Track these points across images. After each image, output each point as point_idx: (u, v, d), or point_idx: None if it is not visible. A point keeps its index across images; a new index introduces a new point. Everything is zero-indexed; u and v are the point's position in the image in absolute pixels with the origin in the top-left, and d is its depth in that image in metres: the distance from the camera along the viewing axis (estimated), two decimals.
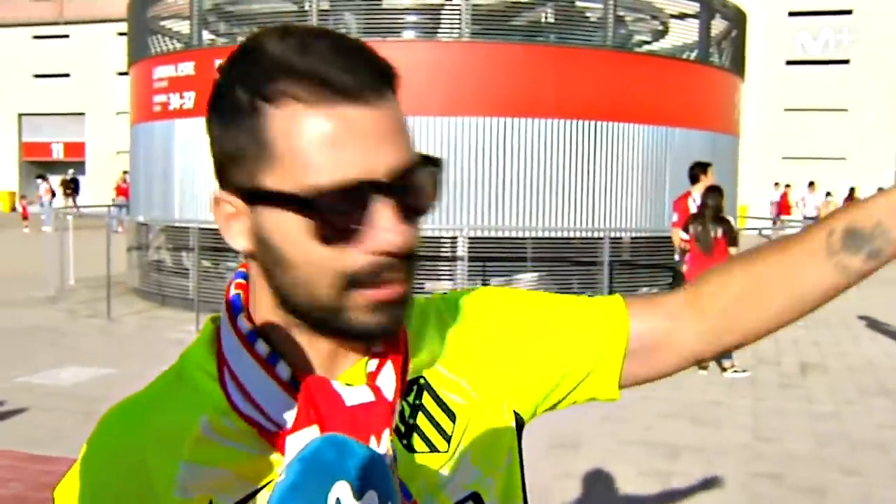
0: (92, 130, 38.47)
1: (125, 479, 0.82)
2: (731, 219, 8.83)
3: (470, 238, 10.23)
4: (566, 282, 10.60)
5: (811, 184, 25.46)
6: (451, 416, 0.92)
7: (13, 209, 37.59)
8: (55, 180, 30.15)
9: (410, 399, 0.89)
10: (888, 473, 5.40)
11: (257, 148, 0.76)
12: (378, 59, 0.79)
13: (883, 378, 8.06)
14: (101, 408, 5.01)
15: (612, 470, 5.38)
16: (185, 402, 0.84)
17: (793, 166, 30.17)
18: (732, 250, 8.12)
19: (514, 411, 0.97)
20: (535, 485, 4.96)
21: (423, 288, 9.60)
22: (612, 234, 10.67)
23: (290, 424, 0.80)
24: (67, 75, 38.68)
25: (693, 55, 12.30)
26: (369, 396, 0.81)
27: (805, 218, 22.61)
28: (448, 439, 0.90)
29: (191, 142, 11.36)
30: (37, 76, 39.25)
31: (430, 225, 10.01)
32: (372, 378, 0.83)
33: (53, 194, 28.66)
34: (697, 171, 8.80)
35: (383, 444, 0.80)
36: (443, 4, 10.99)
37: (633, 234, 11.27)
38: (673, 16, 12.45)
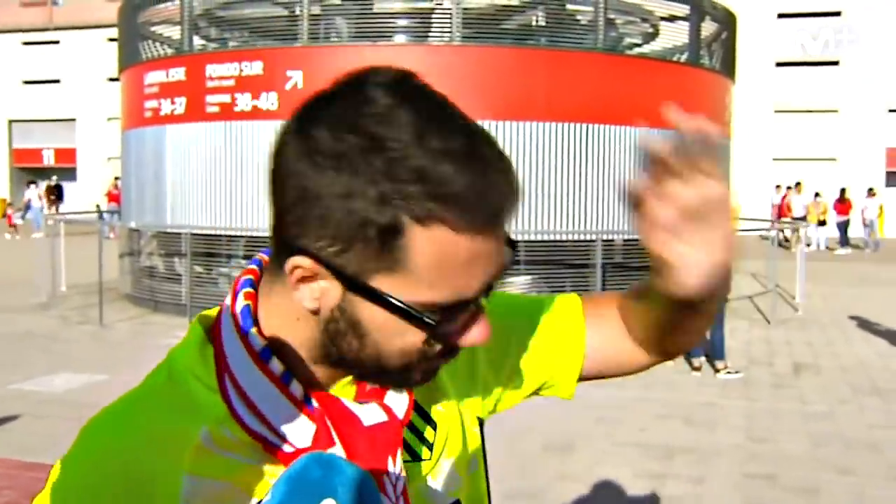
0: (83, 136, 38.32)
1: (122, 491, 0.77)
2: None
3: None
4: (559, 284, 10.61)
5: (798, 185, 25.51)
6: (433, 424, 0.93)
7: (4, 216, 37.43)
8: (42, 187, 29.97)
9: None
10: (881, 473, 5.42)
11: (383, 249, 0.73)
12: (513, 176, 0.77)
13: (875, 378, 8.08)
14: (94, 414, 4.96)
15: (606, 471, 5.39)
16: (180, 411, 0.81)
17: (784, 167, 30.25)
18: None
19: (477, 416, 1.00)
20: (531, 487, 4.97)
21: None
22: (605, 237, 10.68)
23: (300, 442, 0.80)
24: (58, 81, 38.53)
25: (683, 57, 12.33)
26: (383, 416, 0.84)
27: (793, 219, 22.63)
28: (430, 447, 0.91)
29: (182, 147, 11.35)
30: (27, 82, 39.10)
31: None
32: (378, 396, 0.85)
33: (49, 199, 28.56)
34: None
35: (398, 463, 0.82)
36: (434, 8, 11.00)
37: (626, 237, 11.28)
38: (663, 18, 12.48)
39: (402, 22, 11.11)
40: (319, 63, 10.37)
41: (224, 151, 10.89)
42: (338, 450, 0.80)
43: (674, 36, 12.52)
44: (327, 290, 0.76)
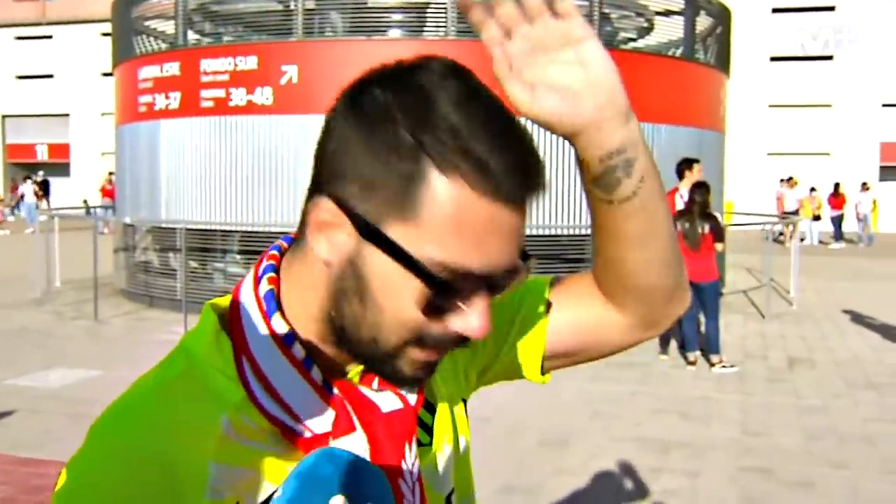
0: (76, 131, 38.23)
1: (148, 486, 0.74)
2: (718, 215, 8.86)
3: None
4: None
5: (789, 179, 25.53)
6: (431, 409, 0.94)
7: None
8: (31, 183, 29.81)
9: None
10: (876, 467, 5.44)
11: (402, 196, 0.75)
12: (542, 167, 0.79)
13: (869, 372, 8.11)
14: (89, 410, 4.95)
15: (603, 466, 5.40)
16: (200, 399, 0.80)
17: (778, 162, 30.30)
18: (719, 246, 8.15)
19: (462, 398, 1.02)
20: (527, 482, 4.99)
21: None
22: None
23: (320, 427, 0.80)
24: (51, 76, 38.41)
25: (678, 52, 12.34)
26: (398, 403, 0.85)
27: (785, 213, 22.64)
28: (430, 432, 0.93)
29: (177, 142, 11.32)
30: (20, 77, 38.96)
31: None
32: (393, 386, 0.86)
33: (37, 195, 28.46)
34: (684, 167, 8.84)
35: (413, 450, 0.83)
36: (428, 3, 10.98)
37: None
38: (658, 13, 12.48)
39: (397, 16, 11.10)
40: (314, 58, 10.35)
41: (219, 146, 10.87)
42: (359, 436, 0.80)
43: (668, 30, 12.53)
44: (343, 243, 0.78)
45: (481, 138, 0.74)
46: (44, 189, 29.88)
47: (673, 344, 8.78)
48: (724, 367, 8.06)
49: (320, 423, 0.81)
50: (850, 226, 25.44)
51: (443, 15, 10.51)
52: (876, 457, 5.63)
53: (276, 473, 0.80)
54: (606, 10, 11.64)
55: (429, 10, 10.89)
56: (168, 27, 12.10)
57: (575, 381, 7.27)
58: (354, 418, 0.81)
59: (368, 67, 0.81)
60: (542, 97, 0.80)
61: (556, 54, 0.80)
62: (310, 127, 9.58)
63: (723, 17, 13.22)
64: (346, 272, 0.78)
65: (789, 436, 6.09)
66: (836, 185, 25.53)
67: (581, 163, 0.88)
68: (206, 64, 10.97)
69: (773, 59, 31.56)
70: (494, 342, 1.02)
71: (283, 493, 0.71)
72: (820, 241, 24.55)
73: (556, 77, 0.80)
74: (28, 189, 28.50)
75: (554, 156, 10.60)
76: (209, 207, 10.97)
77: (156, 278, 11.80)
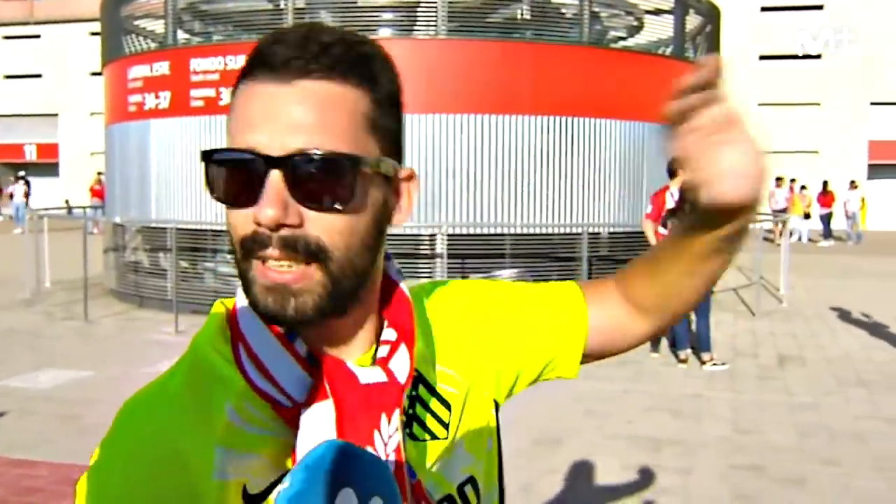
0: (65, 131, 38.08)
1: (158, 468, 0.80)
2: None
3: (449, 235, 10.23)
4: (545, 278, 10.61)
5: (778, 178, 25.62)
6: (447, 405, 0.97)
7: None
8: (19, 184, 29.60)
9: (408, 390, 0.91)
10: (867, 464, 5.47)
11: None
12: (331, 43, 0.81)
13: (859, 369, 8.14)
14: (80, 411, 4.92)
15: (595, 464, 5.41)
16: (206, 389, 0.84)
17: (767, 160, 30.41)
18: None
19: (494, 399, 1.05)
20: (520, 480, 4.97)
21: None
22: (591, 230, 10.71)
23: (299, 396, 0.83)
24: (39, 76, 38.25)
25: (668, 51, 12.37)
26: (382, 377, 0.85)
27: (774, 211, 22.71)
28: (446, 426, 0.96)
29: (167, 142, 11.28)
30: (8, 77, 38.82)
31: (409, 222, 9.99)
32: (383, 363, 0.87)
33: (27, 195, 28.33)
34: (676, 166, 8.83)
35: (394, 422, 0.84)
36: (419, 2, 10.97)
37: (612, 230, 11.31)
38: (648, 11, 12.51)
39: (388, 15, 11.09)
40: None
41: (209, 146, 10.75)
42: (328, 404, 0.82)
43: (658, 29, 12.55)
44: None
45: (268, 44, 0.82)
46: (26, 189, 29.74)
47: (664, 342, 8.81)
48: (714, 364, 8.09)
49: (298, 392, 0.83)
50: (838, 224, 25.54)
51: (433, 14, 10.51)
52: (867, 454, 5.66)
53: (281, 457, 0.83)
54: (596, 9, 11.66)
55: (419, 9, 10.89)
56: (157, 26, 12.06)
57: (567, 380, 7.27)
58: (328, 387, 0.83)
59: None
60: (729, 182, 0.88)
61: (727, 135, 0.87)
62: None
63: (712, 16, 13.26)
64: None
65: (780, 433, 6.11)
66: (825, 183, 25.63)
67: (712, 221, 0.94)
68: (196, 63, 10.94)
69: (762, 57, 31.68)
70: (538, 347, 1.07)
71: (290, 484, 0.72)
72: (809, 239, 24.65)
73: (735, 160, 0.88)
74: (18, 189, 28.37)
75: (549, 156, 10.62)
76: (199, 207, 10.94)
77: (146, 278, 11.76)
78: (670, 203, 8.46)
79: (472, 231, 10.49)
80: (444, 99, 10.34)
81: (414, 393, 0.94)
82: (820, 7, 31.26)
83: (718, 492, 4.99)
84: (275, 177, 0.78)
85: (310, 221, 0.79)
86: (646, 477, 5.20)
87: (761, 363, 8.43)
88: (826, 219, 24.75)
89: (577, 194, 10.85)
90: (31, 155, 38.88)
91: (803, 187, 25.52)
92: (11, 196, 28.89)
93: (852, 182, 25.85)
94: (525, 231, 10.66)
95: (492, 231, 10.56)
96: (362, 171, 0.81)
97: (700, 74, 0.86)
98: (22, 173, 31.03)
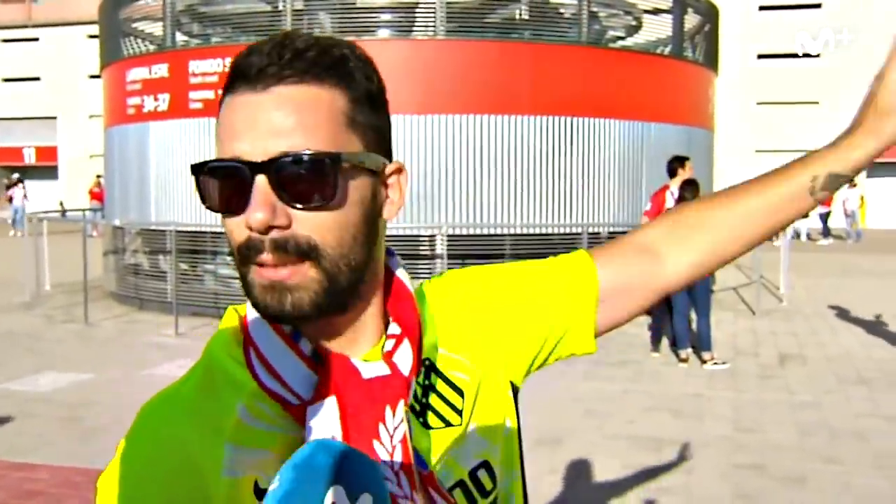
0: (64, 134, 38.09)
1: (171, 467, 0.85)
2: None
3: (448, 236, 10.23)
4: None
5: None
6: (459, 392, 0.98)
7: None
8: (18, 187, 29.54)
9: (420, 380, 0.95)
10: (868, 462, 5.46)
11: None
12: (304, 49, 0.84)
13: (860, 367, 8.14)
14: (81, 413, 4.92)
15: (596, 464, 5.41)
16: (218, 391, 0.88)
17: (766, 159, 30.42)
18: None
19: (510, 381, 1.04)
20: None
21: None
22: (590, 230, 10.71)
23: (305, 394, 0.86)
24: (38, 79, 38.26)
25: (667, 50, 12.36)
26: (385, 371, 0.88)
27: None
28: (459, 413, 0.97)
29: (166, 144, 11.28)
30: (6, 80, 38.81)
31: (408, 223, 10.01)
32: (388, 356, 0.90)
33: (26, 197, 28.29)
34: (676, 164, 8.85)
35: (398, 414, 0.86)
36: (417, 2, 10.97)
37: (611, 229, 11.31)
38: (646, 11, 12.50)
39: (386, 16, 11.08)
40: None
41: (208, 148, 10.83)
42: (331, 400, 0.85)
43: (657, 29, 12.55)
44: None
45: (243, 56, 0.85)
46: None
47: (664, 342, 8.80)
48: (715, 363, 8.09)
49: (305, 390, 0.86)
50: (837, 222, 25.55)
51: (432, 15, 10.50)
52: (868, 452, 5.66)
53: (291, 453, 0.84)
54: (595, 9, 11.66)
55: (418, 10, 10.89)
56: (156, 29, 12.05)
57: (567, 380, 7.28)
58: (332, 384, 0.86)
59: None
60: None
61: None
62: None
63: (710, 15, 13.25)
64: None
65: (781, 432, 6.11)
66: None
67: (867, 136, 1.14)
68: (195, 65, 10.94)
69: (760, 56, 31.69)
70: (548, 323, 1.07)
71: (279, 483, 0.72)
72: (809, 238, 24.65)
73: None
74: (18, 193, 28.35)
75: (548, 156, 10.62)
76: (199, 209, 10.92)
77: (146, 281, 11.76)
78: (670, 202, 8.47)
79: (471, 231, 10.49)
80: (442, 99, 10.34)
81: (427, 382, 0.95)
82: (818, 6, 31.27)
83: (720, 491, 4.98)
84: (260, 181, 0.81)
85: (298, 221, 0.82)
86: (647, 476, 5.20)
87: (762, 362, 8.42)
88: (825, 217, 24.77)
89: (577, 194, 10.85)
90: (29, 158, 38.88)
91: None
92: (10, 200, 28.86)
93: (851, 181, 25.86)
94: (524, 231, 10.66)
95: (491, 231, 10.56)
96: (343, 167, 0.83)
97: None
98: (15, 175, 30.99)
